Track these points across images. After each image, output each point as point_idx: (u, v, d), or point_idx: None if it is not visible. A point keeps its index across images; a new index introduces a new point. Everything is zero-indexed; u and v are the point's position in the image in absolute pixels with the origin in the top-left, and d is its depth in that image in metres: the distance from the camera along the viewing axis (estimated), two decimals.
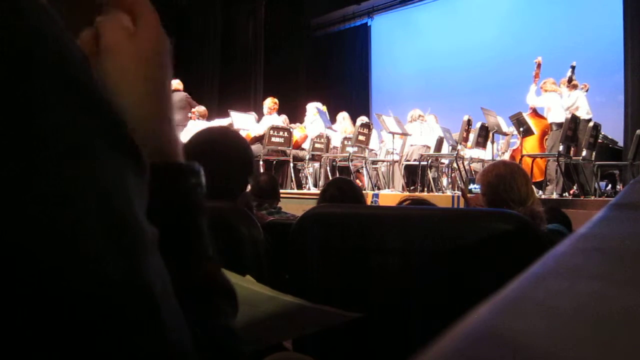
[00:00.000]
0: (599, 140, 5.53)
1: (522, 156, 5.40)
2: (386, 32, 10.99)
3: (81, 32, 0.36)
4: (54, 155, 0.23)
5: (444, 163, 6.34)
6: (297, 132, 6.26)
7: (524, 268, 0.23)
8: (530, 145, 5.73)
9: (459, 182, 5.69)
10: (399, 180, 5.98)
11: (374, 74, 11.18)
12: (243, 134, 5.86)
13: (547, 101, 5.59)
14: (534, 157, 5.43)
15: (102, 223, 0.24)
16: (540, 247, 0.84)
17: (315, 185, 6.41)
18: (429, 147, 6.09)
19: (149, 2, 0.38)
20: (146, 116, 0.36)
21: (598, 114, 5.88)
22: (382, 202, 4.81)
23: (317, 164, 6.51)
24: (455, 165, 5.74)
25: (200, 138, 1.32)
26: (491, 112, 5.51)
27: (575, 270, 0.24)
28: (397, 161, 6.12)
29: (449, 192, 5.63)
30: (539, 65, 5.82)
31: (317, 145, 6.07)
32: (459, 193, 4.69)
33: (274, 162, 6.03)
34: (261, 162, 5.80)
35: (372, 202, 4.85)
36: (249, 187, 1.41)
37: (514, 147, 6.21)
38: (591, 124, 5.21)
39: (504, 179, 1.74)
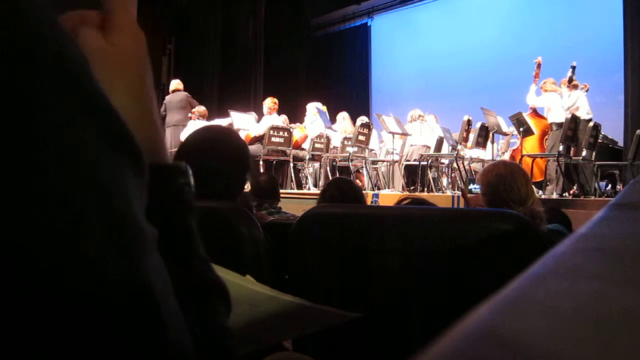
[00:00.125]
0: (599, 140, 5.53)
1: (522, 156, 5.40)
2: (386, 32, 10.99)
3: None
4: (53, 155, 0.23)
5: (444, 163, 6.34)
6: (297, 132, 6.26)
7: (524, 268, 0.23)
8: (530, 145, 5.73)
9: (459, 182, 5.69)
10: (399, 180, 5.98)
11: (374, 74, 11.18)
12: (243, 134, 5.87)
13: (547, 101, 5.59)
14: (534, 157, 5.43)
15: (101, 223, 0.24)
16: (540, 247, 0.84)
17: (315, 185, 6.42)
18: (429, 147, 6.09)
19: (128, 10, 0.38)
20: (130, 121, 0.37)
21: (598, 114, 5.88)
22: (382, 202, 4.81)
23: (317, 164, 6.51)
24: (455, 165, 5.74)
25: (196, 137, 1.32)
26: (491, 112, 5.51)
27: (575, 270, 0.24)
28: (397, 161, 6.12)
29: (449, 192, 5.63)
30: (539, 65, 5.81)
31: (317, 145, 6.07)
32: (459, 193, 4.69)
33: (274, 162, 6.03)
34: (261, 162, 5.80)
35: (372, 202, 4.85)
36: (248, 187, 1.41)
37: (514, 147, 6.21)
38: (591, 124, 5.21)
39: (504, 179, 1.74)
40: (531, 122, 5.46)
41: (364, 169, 6.14)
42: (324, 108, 6.71)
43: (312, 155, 6.11)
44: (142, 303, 0.25)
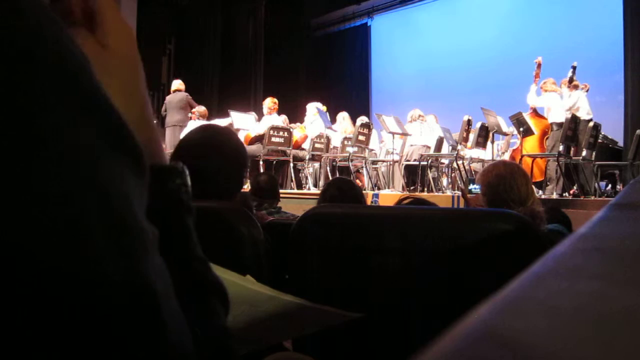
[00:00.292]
0: (599, 140, 5.53)
1: (522, 156, 5.40)
2: (386, 32, 10.99)
3: None
4: (54, 155, 0.23)
5: (444, 163, 6.34)
6: (297, 132, 6.26)
7: (524, 268, 0.23)
8: (530, 145, 5.73)
9: (459, 182, 5.69)
10: (399, 180, 5.98)
11: (374, 74, 11.18)
12: (243, 134, 5.87)
13: (547, 101, 5.59)
14: (534, 157, 5.43)
15: (102, 223, 0.24)
16: (540, 247, 0.84)
17: (315, 185, 6.42)
18: (429, 147, 6.09)
19: (117, 11, 0.38)
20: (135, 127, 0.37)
21: (598, 114, 5.88)
22: (382, 202, 4.81)
23: (317, 164, 6.51)
24: (455, 165, 5.74)
25: (193, 136, 1.32)
26: (491, 112, 5.51)
27: (575, 270, 0.24)
28: (397, 161, 6.12)
29: (449, 192, 5.63)
30: (539, 65, 5.81)
31: (317, 145, 6.07)
32: (459, 193, 4.69)
33: (274, 162, 6.03)
34: (261, 162, 5.80)
35: (372, 202, 4.85)
36: (248, 187, 1.41)
37: (514, 147, 6.21)
38: (591, 124, 5.21)
39: (504, 179, 1.74)
40: (531, 122, 5.46)
41: (364, 169, 6.14)
42: (324, 108, 6.71)
43: (312, 155, 6.11)
44: (142, 303, 0.25)
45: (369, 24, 11.23)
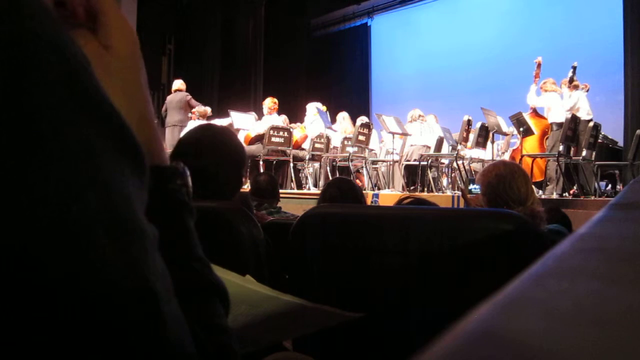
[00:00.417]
0: (599, 140, 5.53)
1: (522, 156, 5.40)
2: (386, 32, 10.99)
3: None
4: (54, 155, 0.23)
5: (444, 163, 6.34)
6: (297, 132, 6.26)
7: (524, 268, 0.23)
8: (530, 145, 5.73)
9: (459, 182, 5.69)
10: (399, 180, 5.98)
11: (374, 74, 11.18)
12: (243, 133, 5.87)
13: (547, 101, 5.59)
14: (534, 157, 5.43)
15: (102, 223, 0.24)
16: (540, 247, 0.84)
17: (315, 185, 6.42)
18: (429, 147, 6.08)
19: (119, 12, 0.38)
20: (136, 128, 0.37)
21: (598, 114, 5.88)
22: (382, 202, 4.81)
23: (317, 164, 6.51)
24: (455, 165, 5.74)
25: (192, 136, 1.32)
26: (491, 112, 5.51)
27: (575, 270, 0.24)
28: (397, 161, 6.12)
29: (449, 192, 5.63)
30: (539, 65, 5.81)
31: (317, 145, 6.07)
32: (459, 193, 4.69)
33: (274, 162, 6.03)
34: (261, 162, 5.80)
35: (372, 202, 4.85)
36: (248, 187, 1.41)
37: (514, 147, 6.21)
38: (591, 124, 5.21)
39: (504, 179, 1.74)
40: (531, 122, 5.46)
41: (364, 169, 6.14)
42: (324, 108, 6.71)
43: (312, 155, 6.11)
44: (142, 303, 0.25)
45: (369, 24, 11.23)
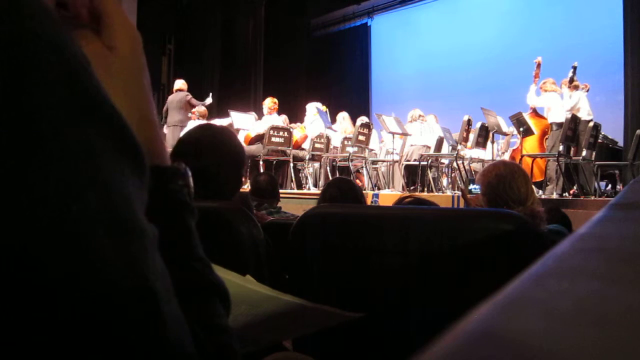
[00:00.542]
0: (599, 140, 5.53)
1: (522, 156, 5.40)
2: (386, 32, 10.99)
3: None
4: (54, 155, 0.23)
5: (444, 163, 6.34)
6: (297, 132, 6.26)
7: (524, 268, 0.23)
8: (530, 145, 5.73)
9: (459, 182, 5.69)
10: (399, 180, 5.98)
11: (374, 74, 11.18)
12: (243, 133, 5.87)
13: (547, 101, 5.59)
14: (534, 157, 5.43)
15: (102, 222, 0.24)
16: (540, 247, 0.84)
17: (315, 185, 6.42)
18: (429, 147, 6.09)
19: (123, 12, 0.38)
20: (129, 123, 0.37)
21: (598, 114, 5.88)
22: (382, 202, 4.81)
23: (317, 164, 6.51)
24: (455, 165, 5.74)
25: (191, 136, 1.32)
26: (491, 112, 5.51)
27: (575, 270, 0.24)
28: (397, 161, 6.12)
29: (449, 192, 5.63)
30: (538, 65, 5.81)
31: (317, 145, 6.07)
32: (459, 193, 4.69)
33: (274, 162, 6.03)
34: (261, 162, 5.80)
35: (372, 202, 4.85)
36: (248, 187, 1.41)
37: (514, 147, 6.21)
38: (591, 124, 5.21)
39: (504, 179, 1.74)
40: (531, 122, 5.46)
41: (364, 169, 6.14)
42: (324, 108, 6.71)
43: (312, 155, 6.11)
44: (142, 303, 0.25)
45: (369, 24, 11.23)
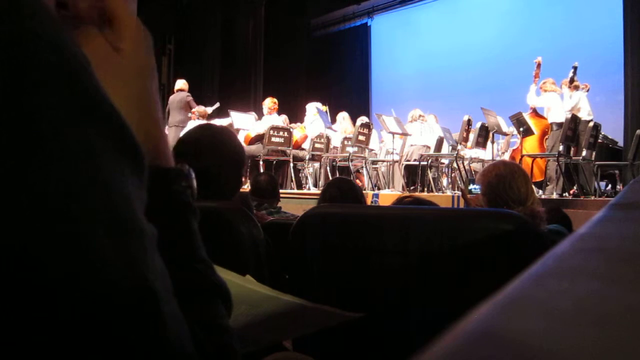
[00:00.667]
0: (599, 140, 5.53)
1: (522, 156, 5.40)
2: (386, 32, 10.99)
3: None
4: (54, 155, 0.23)
5: (444, 163, 6.34)
6: (297, 132, 6.26)
7: (524, 268, 0.23)
8: (530, 145, 5.73)
9: (459, 182, 5.69)
10: (399, 180, 5.98)
11: (374, 74, 11.18)
12: (243, 133, 5.87)
13: (547, 101, 5.59)
14: (534, 157, 5.43)
15: (102, 223, 0.24)
16: (540, 247, 0.84)
17: (315, 185, 6.42)
18: (429, 147, 6.09)
19: (133, 15, 0.38)
20: (135, 124, 0.37)
21: (598, 114, 5.88)
22: (382, 202, 4.81)
23: (317, 164, 6.51)
24: (455, 165, 5.74)
25: (191, 136, 1.32)
26: (491, 112, 5.51)
27: (575, 270, 0.24)
28: (397, 161, 6.12)
29: (449, 192, 5.63)
30: (538, 65, 5.81)
31: (317, 145, 6.07)
32: (459, 193, 4.69)
33: (274, 162, 6.03)
34: (261, 162, 5.80)
35: (372, 202, 4.85)
36: (248, 187, 1.41)
37: (514, 147, 6.21)
38: (591, 124, 5.21)
39: (504, 179, 1.74)
40: (531, 122, 5.46)
41: (364, 169, 6.14)
42: (324, 108, 6.71)
43: (312, 155, 6.11)
44: (142, 303, 0.25)
45: (369, 24, 11.23)
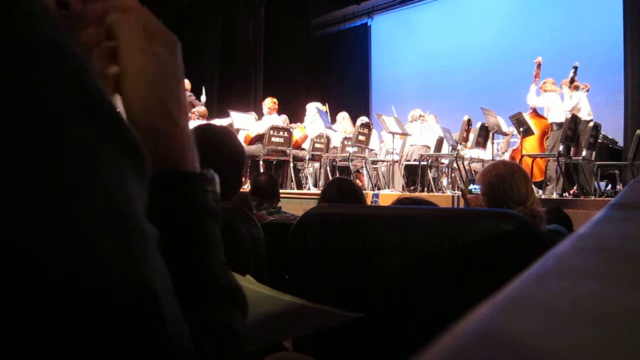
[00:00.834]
0: (599, 140, 5.52)
1: (522, 156, 5.40)
2: (386, 32, 10.99)
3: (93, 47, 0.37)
4: (54, 155, 0.23)
5: (444, 163, 6.33)
6: (297, 132, 6.26)
7: (524, 268, 0.23)
8: (530, 145, 5.73)
9: (459, 182, 5.69)
10: (399, 180, 5.98)
11: (374, 74, 11.17)
12: (243, 133, 5.87)
13: (547, 101, 5.59)
14: (534, 157, 5.43)
15: (102, 223, 0.24)
16: (540, 247, 0.84)
17: (315, 185, 6.41)
18: (429, 147, 6.09)
19: (141, 35, 0.38)
20: (160, 129, 0.38)
21: (598, 114, 5.88)
22: (382, 202, 4.81)
23: (317, 164, 6.51)
24: (455, 165, 5.74)
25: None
26: (491, 112, 5.51)
27: (575, 270, 0.24)
28: (397, 161, 6.12)
29: (449, 192, 5.63)
30: (539, 65, 5.81)
31: (317, 145, 6.07)
32: (459, 193, 4.69)
33: (274, 162, 6.03)
34: (261, 162, 5.80)
35: (372, 202, 4.85)
36: (248, 187, 1.41)
37: (514, 147, 6.21)
38: (591, 124, 5.21)
39: (504, 179, 1.74)
40: (531, 122, 5.46)
41: (364, 169, 6.14)
42: (324, 108, 6.71)
43: (312, 155, 6.11)
44: (142, 302, 0.25)
45: (369, 24, 11.23)
